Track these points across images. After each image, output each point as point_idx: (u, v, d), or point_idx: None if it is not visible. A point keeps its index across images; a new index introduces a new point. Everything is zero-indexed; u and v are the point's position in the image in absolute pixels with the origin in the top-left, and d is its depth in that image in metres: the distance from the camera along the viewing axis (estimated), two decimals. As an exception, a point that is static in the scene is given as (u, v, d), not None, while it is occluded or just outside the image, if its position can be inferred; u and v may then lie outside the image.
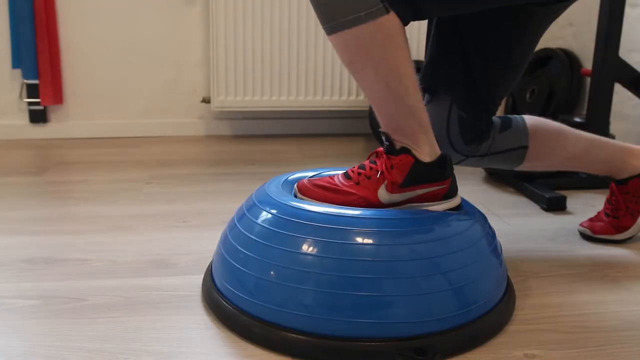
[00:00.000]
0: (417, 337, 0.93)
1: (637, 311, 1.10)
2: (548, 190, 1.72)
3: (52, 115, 2.46)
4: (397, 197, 1.04)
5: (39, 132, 2.45)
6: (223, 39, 2.34)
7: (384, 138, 1.06)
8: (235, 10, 2.32)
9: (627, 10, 2.04)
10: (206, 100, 2.47)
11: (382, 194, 1.04)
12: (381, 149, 1.07)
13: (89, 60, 2.43)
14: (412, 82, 1.00)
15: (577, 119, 1.91)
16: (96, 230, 1.46)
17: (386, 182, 1.03)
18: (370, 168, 1.06)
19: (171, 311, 1.07)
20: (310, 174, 1.19)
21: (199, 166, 2.08)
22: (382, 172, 1.04)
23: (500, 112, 2.71)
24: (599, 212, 1.47)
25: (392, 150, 1.04)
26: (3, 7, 2.32)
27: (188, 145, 2.40)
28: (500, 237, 1.43)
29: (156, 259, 1.30)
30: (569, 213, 1.65)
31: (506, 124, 1.29)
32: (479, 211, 1.13)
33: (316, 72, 2.42)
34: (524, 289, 1.18)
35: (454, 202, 1.07)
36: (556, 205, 1.67)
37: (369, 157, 1.09)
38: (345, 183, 1.07)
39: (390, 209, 1.04)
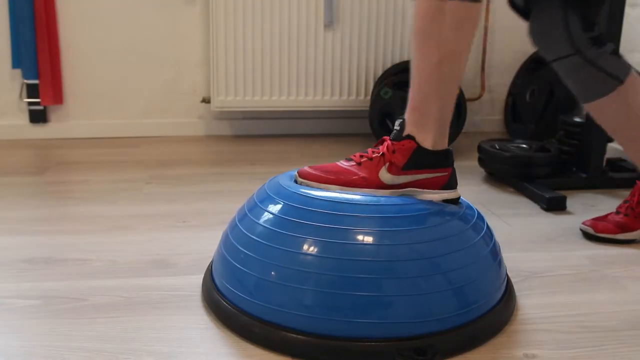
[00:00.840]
0: (417, 337, 0.93)
1: (636, 311, 1.10)
2: (548, 190, 1.72)
3: (52, 115, 2.46)
4: (397, 179, 1.06)
5: (39, 132, 2.45)
6: (223, 39, 2.34)
7: (397, 123, 1.08)
8: (235, 10, 2.32)
9: (627, 10, 2.04)
10: (206, 100, 2.47)
11: (383, 174, 1.06)
12: (386, 137, 1.09)
13: (89, 60, 2.42)
14: (460, 73, 1.05)
15: (577, 119, 1.91)
16: (96, 230, 1.46)
17: (387, 163, 1.05)
18: (373, 152, 1.08)
19: (171, 311, 1.07)
20: None
21: (199, 166, 2.08)
22: (383, 154, 1.06)
23: (500, 111, 2.71)
24: (607, 214, 1.47)
25: (398, 136, 1.06)
26: (3, 7, 2.32)
27: (188, 145, 2.40)
28: (500, 237, 1.43)
29: (156, 259, 1.30)
30: (569, 213, 1.65)
31: (618, 53, 1.29)
32: (478, 211, 1.13)
33: (316, 72, 2.42)
34: (524, 289, 1.18)
35: (453, 194, 1.09)
36: (556, 205, 1.67)
37: (375, 145, 1.11)
38: (346, 164, 1.09)
39: (388, 201, 1.04)
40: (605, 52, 1.25)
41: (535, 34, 1.27)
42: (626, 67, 1.27)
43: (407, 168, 1.05)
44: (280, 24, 2.35)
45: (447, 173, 1.07)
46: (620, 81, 1.26)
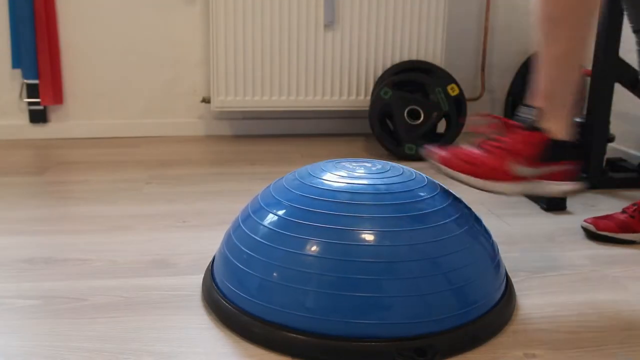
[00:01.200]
0: (417, 337, 0.93)
1: (637, 311, 1.10)
2: (548, 190, 1.72)
3: (52, 115, 2.46)
4: (530, 171, 1.06)
5: (39, 132, 2.45)
6: (223, 39, 2.34)
7: (533, 113, 1.07)
8: (235, 10, 2.32)
9: (627, 10, 2.04)
10: (206, 100, 2.47)
11: (516, 166, 1.06)
12: (510, 121, 1.09)
13: (89, 60, 2.43)
14: (581, 61, 1.06)
15: (577, 119, 1.91)
16: (96, 230, 1.46)
17: (519, 155, 1.06)
18: (504, 140, 1.08)
19: (171, 311, 1.07)
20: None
21: (199, 166, 2.08)
22: (515, 144, 1.06)
23: (500, 111, 2.71)
24: (610, 214, 1.47)
25: (531, 126, 1.06)
26: (3, 7, 2.32)
27: (188, 145, 2.40)
28: (500, 237, 1.43)
29: (156, 259, 1.30)
30: (569, 213, 1.65)
31: None
32: (474, 212, 1.13)
33: (316, 72, 2.42)
34: (524, 289, 1.18)
35: (577, 186, 1.10)
36: (556, 205, 1.67)
37: (496, 128, 1.11)
38: (483, 154, 1.09)
39: (388, 201, 1.04)
40: None
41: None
42: None
43: (539, 160, 1.05)
44: (280, 24, 2.35)
45: (575, 165, 1.08)
46: None
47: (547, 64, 1.05)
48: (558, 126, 1.05)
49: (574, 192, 1.08)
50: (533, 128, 1.05)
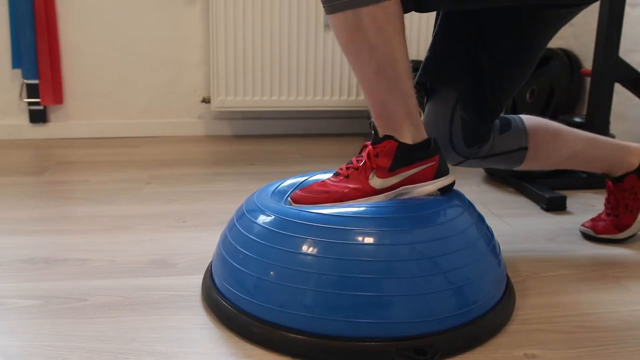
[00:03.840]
0: (417, 337, 0.93)
1: (637, 311, 1.10)
2: (548, 190, 1.72)
3: (52, 115, 2.46)
4: (388, 181, 1.05)
5: (39, 132, 2.45)
6: (223, 39, 2.34)
7: (371, 127, 1.08)
8: (235, 10, 2.32)
9: (627, 10, 2.04)
10: (206, 100, 2.47)
11: (373, 180, 1.05)
12: (367, 142, 1.09)
13: (89, 60, 2.43)
14: (405, 68, 1.02)
15: (577, 119, 1.91)
16: (96, 230, 1.46)
17: (374, 168, 1.05)
18: (357, 160, 1.08)
19: (171, 311, 1.07)
20: (300, 179, 1.19)
21: (199, 166, 2.08)
22: (366, 161, 1.06)
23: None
24: (600, 213, 1.47)
25: (376, 139, 1.06)
26: (3, 7, 2.32)
27: (188, 145, 2.40)
28: (500, 237, 1.43)
29: (156, 259, 1.30)
30: (569, 213, 1.65)
31: (505, 126, 1.29)
32: (477, 211, 1.13)
33: (316, 72, 2.42)
34: (523, 289, 1.18)
35: (446, 180, 1.08)
36: (556, 205, 1.67)
37: (359, 153, 1.11)
38: (336, 180, 1.08)
39: (387, 201, 1.04)
40: (496, 138, 1.26)
41: (427, 128, 1.20)
42: (520, 134, 1.28)
43: (394, 168, 1.05)
44: (280, 24, 2.35)
45: (434, 162, 1.07)
46: (526, 148, 1.29)
47: (366, 87, 1.05)
48: (401, 133, 1.05)
49: (447, 188, 1.08)
50: (379, 140, 1.06)
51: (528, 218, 1.61)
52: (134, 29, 2.42)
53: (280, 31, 2.36)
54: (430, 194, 1.08)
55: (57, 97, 2.41)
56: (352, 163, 1.08)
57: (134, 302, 1.10)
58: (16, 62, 2.36)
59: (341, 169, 1.09)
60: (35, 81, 2.37)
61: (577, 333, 1.02)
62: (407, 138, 1.05)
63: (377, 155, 1.05)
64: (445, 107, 1.21)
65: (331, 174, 1.12)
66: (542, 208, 1.68)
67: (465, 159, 1.26)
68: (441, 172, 1.08)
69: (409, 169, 1.05)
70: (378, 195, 1.05)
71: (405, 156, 1.05)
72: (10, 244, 1.37)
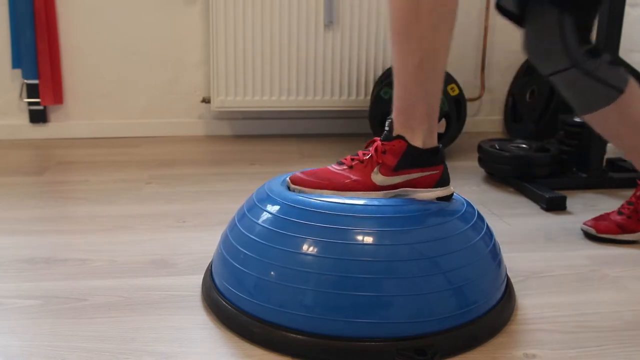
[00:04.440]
0: (416, 337, 0.93)
1: (637, 311, 1.10)
2: (548, 190, 1.72)
3: (52, 115, 2.46)
4: (390, 179, 1.06)
5: (39, 132, 2.45)
6: (223, 39, 2.34)
7: (387, 124, 1.08)
8: (235, 10, 2.32)
9: (627, 10, 2.04)
10: (206, 100, 2.47)
11: (376, 175, 1.06)
12: (376, 137, 1.09)
13: (89, 60, 2.42)
14: (443, 68, 1.04)
15: (577, 119, 1.91)
16: (96, 230, 1.46)
17: (379, 164, 1.05)
18: (364, 154, 1.08)
19: (171, 311, 1.07)
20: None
21: (199, 166, 2.08)
22: (372, 156, 1.06)
23: (500, 111, 2.71)
24: (606, 213, 1.47)
25: (388, 137, 1.06)
26: (3, 7, 2.32)
27: (188, 145, 2.40)
28: (500, 237, 1.43)
29: (156, 259, 1.30)
30: (569, 213, 1.65)
31: (618, 62, 1.27)
32: (478, 211, 1.13)
33: (316, 72, 2.42)
34: (523, 289, 1.18)
35: (446, 191, 1.09)
36: (556, 205, 1.67)
37: (365, 147, 1.11)
38: (338, 168, 1.09)
39: (388, 201, 1.04)
40: (604, 63, 1.24)
41: (530, 46, 1.25)
42: (625, 76, 1.26)
43: (399, 168, 1.05)
44: (280, 24, 2.35)
45: (438, 170, 1.07)
46: (621, 91, 1.24)
47: (400, 78, 1.05)
48: (415, 135, 1.05)
49: (446, 198, 1.08)
50: (391, 138, 1.06)
51: (528, 218, 1.61)
52: (134, 29, 2.42)
53: (281, 31, 2.36)
54: (431, 200, 1.08)
55: (57, 97, 2.41)
56: (358, 155, 1.09)
57: (134, 302, 1.10)
58: (16, 62, 2.35)
59: (345, 159, 1.10)
60: (35, 81, 2.37)
61: (577, 333, 1.02)
62: (419, 141, 1.05)
63: (384, 152, 1.05)
64: (551, 14, 1.20)
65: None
66: (542, 208, 1.68)
67: (571, 67, 1.23)
68: (443, 181, 1.09)
69: (413, 172, 1.06)
70: (377, 192, 1.05)
71: (412, 159, 1.05)
72: (10, 244, 1.37)
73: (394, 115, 1.07)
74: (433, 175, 1.07)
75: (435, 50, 1.02)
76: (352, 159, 1.08)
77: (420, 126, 1.05)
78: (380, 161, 1.05)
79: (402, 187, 1.06)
